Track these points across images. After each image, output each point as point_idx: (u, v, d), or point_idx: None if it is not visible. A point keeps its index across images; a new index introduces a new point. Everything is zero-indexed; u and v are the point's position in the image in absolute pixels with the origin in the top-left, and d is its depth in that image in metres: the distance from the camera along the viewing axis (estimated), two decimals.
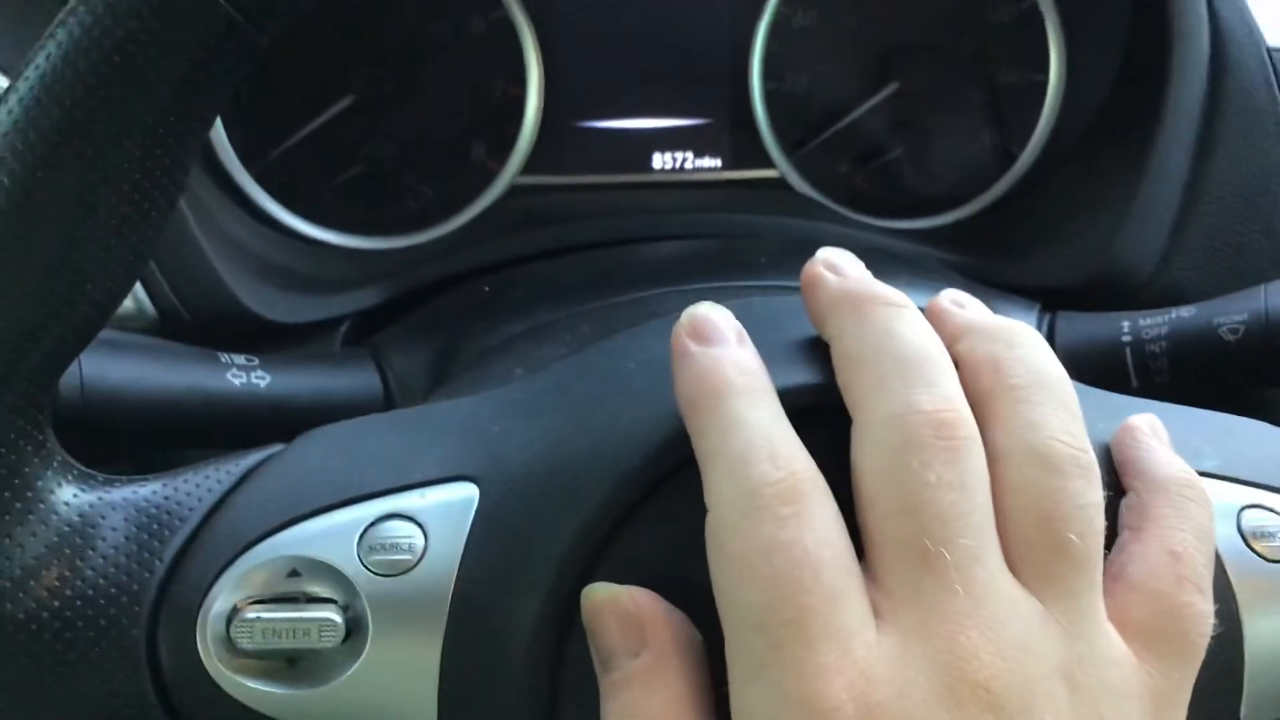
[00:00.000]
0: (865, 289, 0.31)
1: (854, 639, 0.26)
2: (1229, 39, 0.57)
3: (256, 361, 0.46)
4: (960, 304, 0.33)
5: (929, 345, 0.30)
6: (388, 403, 0.49)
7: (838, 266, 0.32)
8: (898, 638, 0.26)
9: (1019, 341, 0.31)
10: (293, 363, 0.48)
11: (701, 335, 0.30)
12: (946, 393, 0.29)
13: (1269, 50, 0.57)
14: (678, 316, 0.31)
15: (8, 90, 0.30)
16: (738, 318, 0.31)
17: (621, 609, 0.29)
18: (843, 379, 0.30)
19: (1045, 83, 0.64)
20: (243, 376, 0.45)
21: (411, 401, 0.48)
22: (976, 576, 0.27)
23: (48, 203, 0.29)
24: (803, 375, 0.31)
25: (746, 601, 0.27)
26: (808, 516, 0.27)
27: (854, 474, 0.28)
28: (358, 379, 0.49)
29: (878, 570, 0.27)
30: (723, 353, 0.30)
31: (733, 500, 0.27)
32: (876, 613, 0.27)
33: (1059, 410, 0.29)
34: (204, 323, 0.52)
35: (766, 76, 0.64)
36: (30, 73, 0.29)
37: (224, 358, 0.46)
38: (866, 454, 0.28)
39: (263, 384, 0.46)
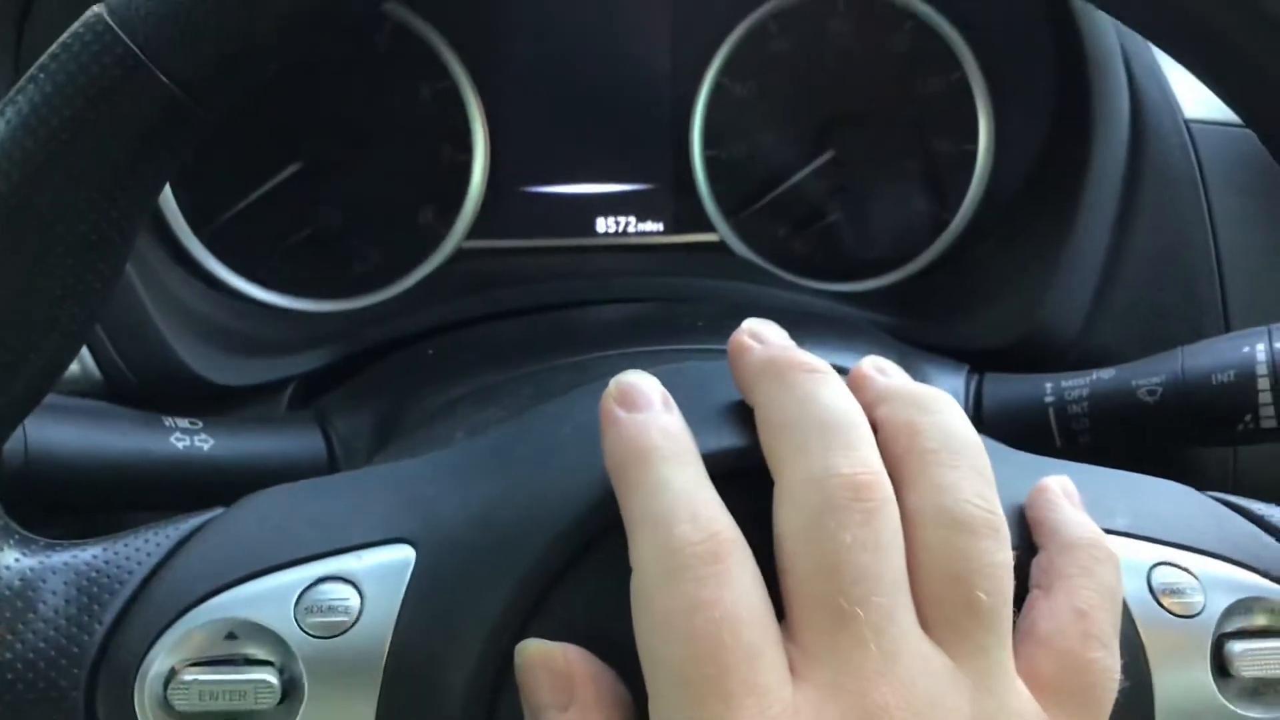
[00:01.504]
0: (788, 356, 0.32)
1: (771, 695, 0.27)
2: (1148, 110, 0.59)
3: (200, 425, 0.47)
4: (882, 370, 0.34)
5: (848, 410, 0.31)
6: (331, 466, 0.49)
7: (762, 335, 0.33)
8: (813, 694, 0.27)
9: (935, 407, 0.32)
10: (237, 426, 0.48)
11: (628, 402, 0.31)
12: (864, 456, 0.30)
13: (1186, 121, 0.60)
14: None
15: None
16: (665, 384, 0.32)
17: (551, 665, 0.30)
18: (766, 443, 0.31)
19: (975, 152, 0.66)
20: (186, 440, 0.46)
21: (355, 464, 0.49)
22: (889, 634, 0.28)
23: None
24: (727, 439, 0.32)
25: (668, 659, 0.28)
26: (728, 577, 0.28)
27: (775, 535, 0.29)
28: (302, 442, 0.50)
29: (796, 628, 0.28)
30: (648, 418, 0.31)
31: (656, 561, 0.28)
32: (794, 670, 0.28)
33: (971, 473, 0.30)
34: (149, 386, 0.53)
35: (707, 144, 0.66)
36: None
37: (168, 421, 0.46)
38: (786, 515, 0.29)
39: (206, 447, 0.46)
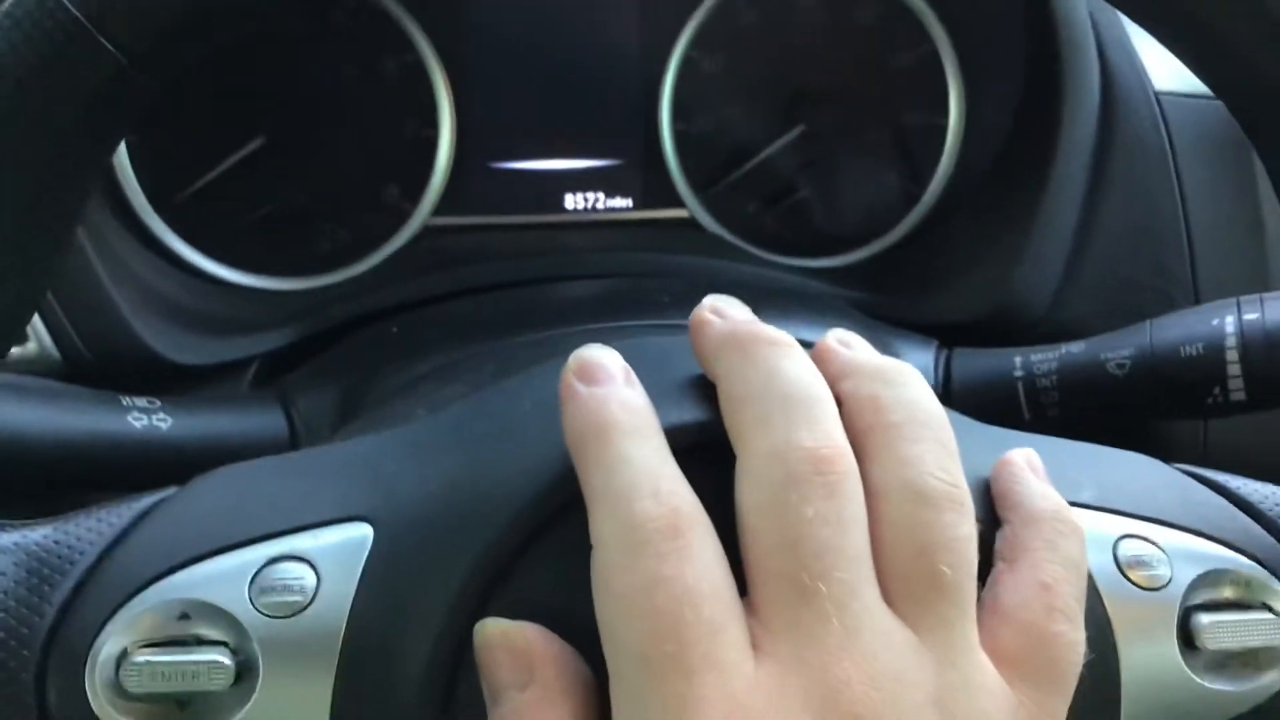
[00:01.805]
0: (750, 330, 0.32)
1: (732, 671, 0.27)
2: (1118, 83, 0.59)
3: (159, 404, 0.46)
4: (846, 344, 0.34)
5: (812, 383, 0.30)
6: (293, 444, 0.49)
7: (724, 311, 0.33)
8: (775, 669, 0.27)
9: (899, 381, 0.32)
10: (196, 405, 0.48)
11: (588, 376, 0.31)
12: (827, 430, 0.29)
13: (1156, 94, 0.60)
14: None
15: None
16: (627, 358, 0.31)
17: (510, 643, 0.30)
18: (728, 416, 0.31)
19: (945, 126, 0.66)
20: (144, 419, 0.45)
21: (317, 443, 0.48)
22: (852, 608, 0.28)
23: None
24: (689, 413, 0.31)
25: (628, 635, 0.27)
26: (689, 552, 0.27)
27: (737, 509, 0.29)
28: (263, 421, 0.49)
29: (758, 603, 0.28)
30: (608, 392, 0.30)
31: (616, 536, 0.28)
32: (756, 645, 0.27)
33: (934, 447, 0.30)
34: (109, 365, 0.52)
35: (676, 118, 0.65)
36: None
37: (125, 400, 0.46)
38: (748, 489, 0.29)
39: (165, 427, 0.46)
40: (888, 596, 0.29)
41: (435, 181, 0.64)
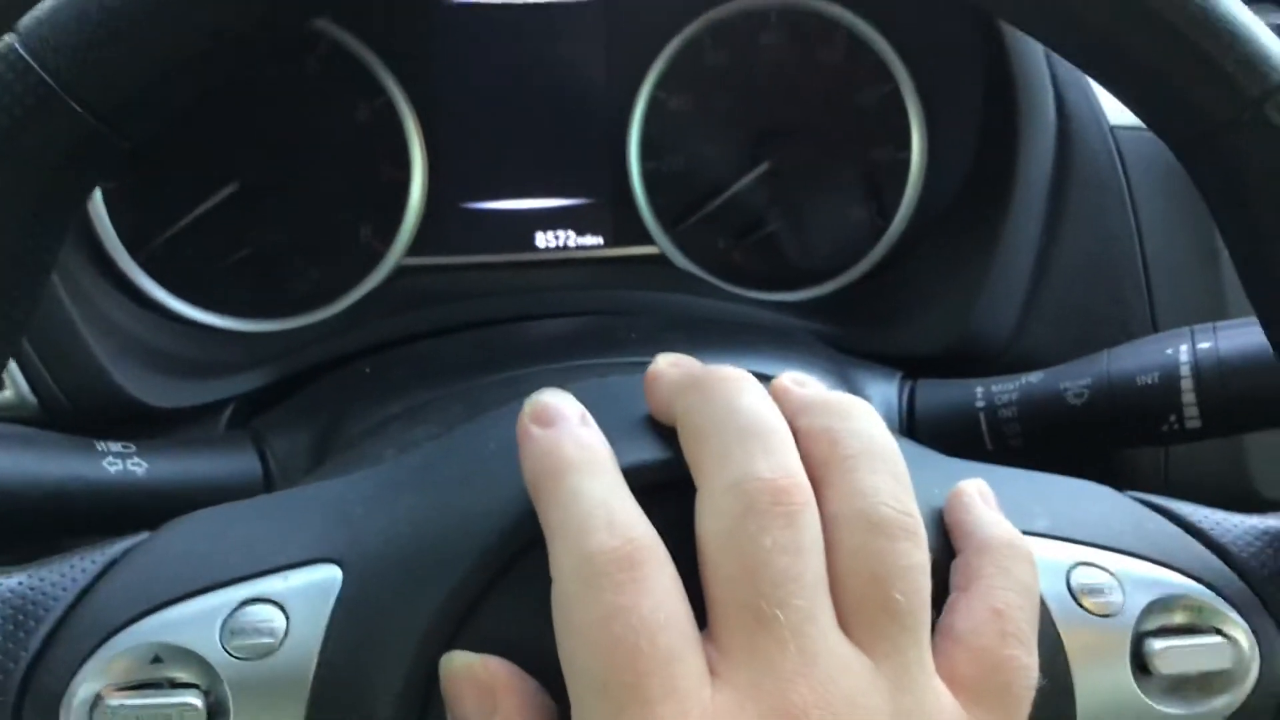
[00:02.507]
0: (706, 369, 0.33)
1: (690, 699, 0.27)
2: (1074, 118, 0.60)
3: (134, 448, 0.46)
4: (800, 382, 0.35)
5: (769, 417, 0.31)
6: (268, 486, 0.49)
7: (677, 362, 0.34)
8: (733, 695, 0.28)
9: (853, 415, 0.33)
10: (170, 449, 0.48)
11: (543, 419, 0.32)
12: (785, 462, 0.30)
13: (1111, 128, 0.61)
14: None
15: None
16: (584, 399, 0.32)
17: (474, 675, 0.30)
18: (688, 452, 0.31)
19: (909, 161, 0.67)
20: (119, 464, 0.46)
21: (292, 484, 0.48)
22: (809, 635, 0.28)
23: None
24: (648, 452, 0.32)
25: (587, 667, 0.28)
26: (645, 582, 0.28)
27: (697, 540, 0.30)
28: (237, 463, 0.49)
29: (717, 631, 0.29)
30: (562, 432, 0.31)
31: (573, 570, 0.29)
32: (714, 672, 0.28)
33: (888, 478, 0.31)
34: (85, 411, 0.53)
35: (644, 156, 0.66)
36: None
37: (100, 445, 0.46)
38: (708, 520, 0.30)
39: (140, 471, 0.46)
40: (844, 624, 0.29)
41: (408, 222, 0.65)
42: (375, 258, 0.64)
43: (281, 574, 0.33)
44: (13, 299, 0.31)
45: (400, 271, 0.65)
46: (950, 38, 0.64)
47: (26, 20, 0.30)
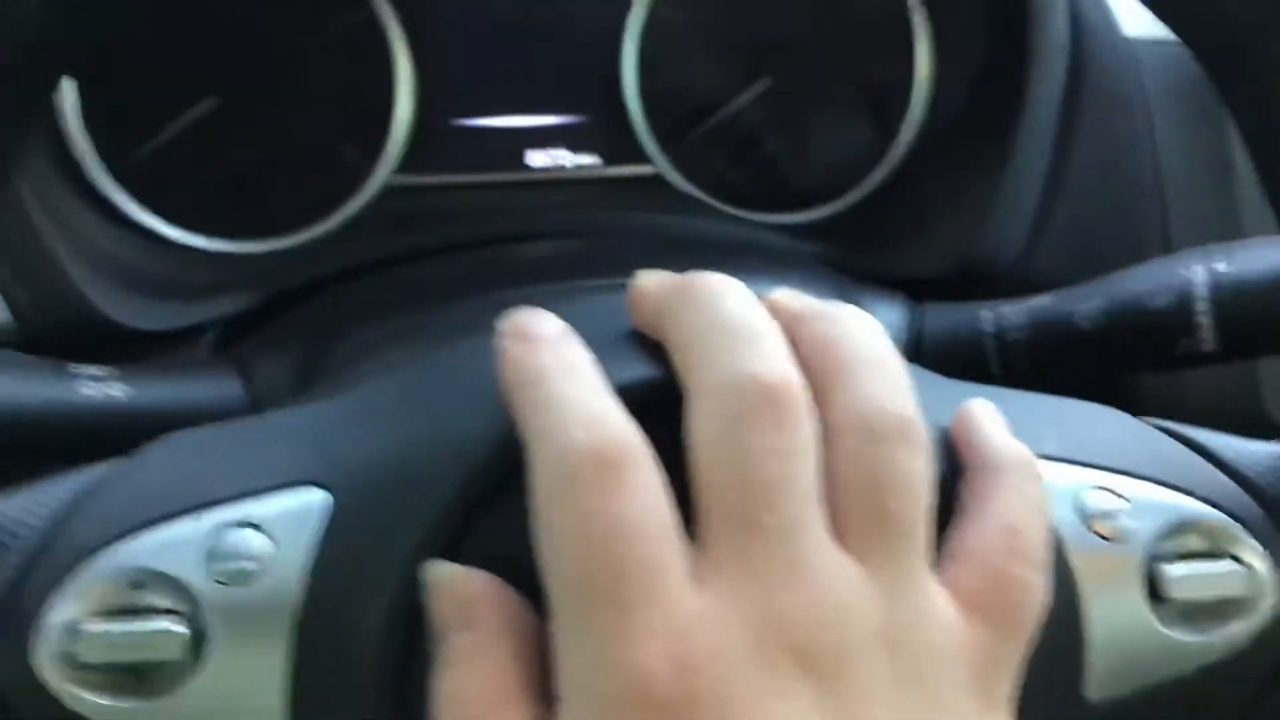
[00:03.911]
0: (692, 277, 0.32)
1: (672, 604, 0.26)
2: (1087, 29, 0.58)
3: (111, 372, 0.45)
4: (793, 295, 0.33)
5: (760, 318, 0.30)
6: (252, 411, 0.48)
7: (662, 276, 0.33)
8: (717, 602, 0.27)
9: (850, 323, 0.32)
10: (151, 373, 0.47)
11: (521, 335, 0.30)
12: (777, 362, 0.29)
13: (1127, 39, 0.59)
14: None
15: None
16: (564, 318, 0.31)
17: (456, 588, 0.29)
18: (677, 357, 0.30)
19: (913, 78, 0.65)
20: (96, 388, 0.44)
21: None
22: (798, 542, 0.27)
23: None
24: (636, 367, 0.31)
25: (563, 571, 0.27)
26: (624, 484, 0.27)
27: (686, 443, 0.29)
28: (220, 388, 0.48)
29: (705, 536, 0.28)
30: (541, 344, 0.30)
31: (549, 473, 0.28)
32: (699, 577, 0.27)
33: (887, 384, 0.30)
34: (59, 333, 0.51)
35: (641, 73, 0.64)
36: None
37: (74, 368, 0.44)
38: (698, 422, 0.29)
39: (119, 395, 0.45)
40: (838, 532, 0.28)
41: (394, 140, 0.63)
42: (361, 176, 0.62)
43: (264, 497, 0.31)
44: None
45: (387, 191, 0.63)
46: None
47: None
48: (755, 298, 0.31)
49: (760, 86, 0.64)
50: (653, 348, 0.32)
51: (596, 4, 0.64)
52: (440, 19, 0.63)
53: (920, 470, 0.29)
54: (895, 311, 0.52)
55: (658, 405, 0.29)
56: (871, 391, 0.30)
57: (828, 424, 0.29)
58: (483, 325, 0.38)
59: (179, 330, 0.55)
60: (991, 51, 0.61)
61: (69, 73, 0.31)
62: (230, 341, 0.55)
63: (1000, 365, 0.49)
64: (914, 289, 0.55)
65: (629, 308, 0.33)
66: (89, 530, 0.31)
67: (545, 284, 0.48)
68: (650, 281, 0.33)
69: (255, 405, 0.48)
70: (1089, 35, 0.58)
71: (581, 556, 0.27)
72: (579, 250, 0.56)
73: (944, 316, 0.52)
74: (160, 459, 0.33)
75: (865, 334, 0.31)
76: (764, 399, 0.28)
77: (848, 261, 0.59)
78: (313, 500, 0.31)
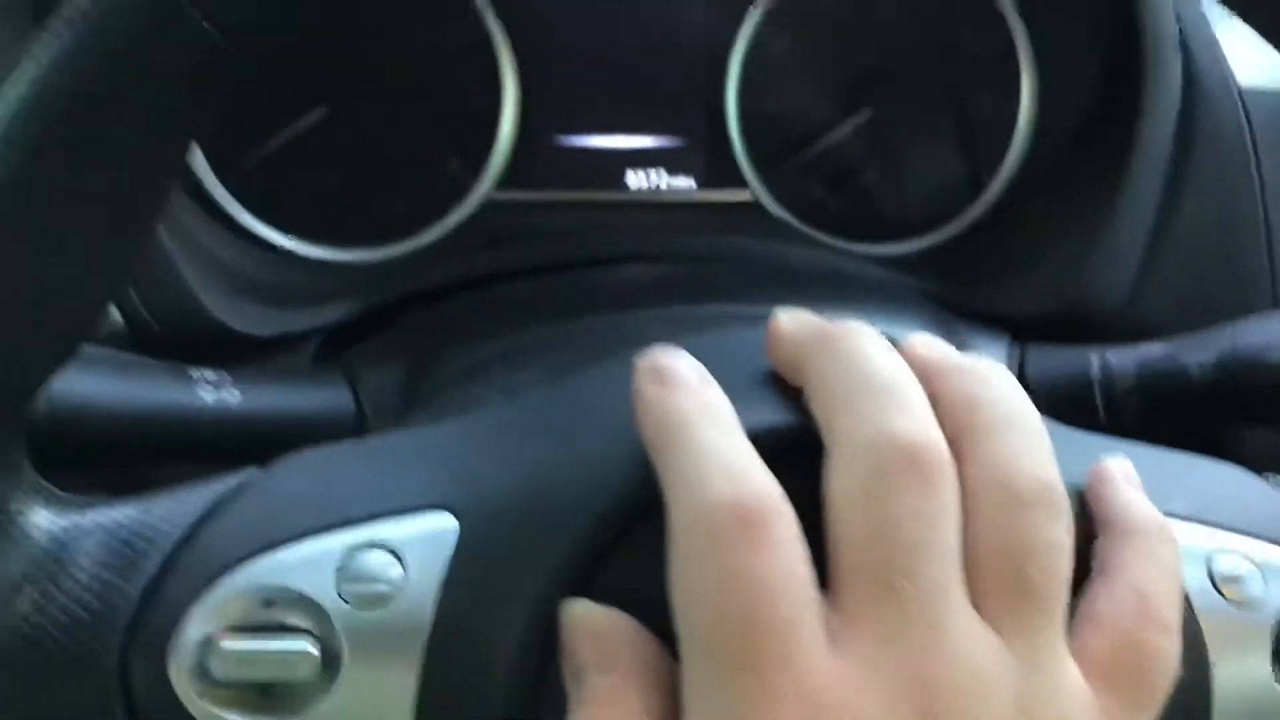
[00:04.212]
0: (835, 325, 0.32)
1: (807, 666, 0.26)
2: (1201, 77, 0.58)
3: (227, 377, 0.46)
4: (931, 345, 0.33)
5: (903, 374, 0.30)
6: (359, 422, 0.48)
7: (799, 317, 0.33)
8: (853, 664, 0.27)
9: (992, 380, 0.31)
10: (264, 379, 0.47)
11: (659, 379, 0.30)
12: (921, 422, 0.29)
13: (1240, 90, 0.58)
14: (652, 344, 0.31)
15: None
16: (699, 357, 0.31)
17: (595, 627, 0.29)
18: (817, 408, 0.30)
19: (1017, 113, 0.64)
20: (213, 392, 0.45)
21: (384, 423, 0.47)
22: (938, 608, 0.27)
23: (23, 227, 0.29)
24: (774, 411, 0.31)
25: (701, 628, 0.27)
26: (766, 542, 0.27)
27: (825, 497, 0.28)
28: (329, 397, 0.48)
29: (840, 595, 0.28)
30: (680, 390, 0.30)
31: (690, 525, 0.27)
32: (835, 638, 0.27)
33: (1030, 448, 0.30)
34: (172, 334, 0.52)
35: (742, 98, 0.64)
36: (6, 94, 0.29)
37: (194, 373, 0.45)
38: (838, 477, 0.28)
39: (234, 400, 0.45)
40: (975, 598, 0.28)
41: (497, 156, 0.63)
42: (463, 190, 0.63)
43: (395, 519, 0.32)
44: (131, 227, 0.30)
45: (487, 206, 0.63)
46: None
47: None
48: (894, 348, 0.31)
49: (861, 116, 0.64)
50: (788, 391, 0.31)
51: (702, 28, 0.64)
52: (547, 38, 0.63)
53: (1061, 538, 0.29)
54: (999, 351, 0.52)
55: (792, 452, 0.29)
56: (1013, 454, 0.29)
57: (967, 485, 0.29)
58: (600, 350, 0.38)
59: (283, 337, 0.55)
60: (1102, 89, 0.61)
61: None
62: (332, 350, 0.56)
63: (1107, 412, 0.49)
64: (1013, 327, 0.55)
65: (767, 348, 0.33)
66: (225, 544, 0.32)
67: (652, 308, 0.48)
68: (790, 324, 0.32)
69: (362, 416, 0.49)
70: (1203, 82, 0.57)
71: (719, 613, 0.26)
72: (678, 275, 0.56)
73: (1048, 359, 0.51)
74: (293, 475, 0.34)
75: (1006, 392, 0.31)
76: (908, 459, 0.28)
77: (947, 296, 0.59)
78: (444, 524, 0.31)
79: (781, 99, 0.65)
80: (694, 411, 0.29)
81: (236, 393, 0.46)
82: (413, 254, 0.62)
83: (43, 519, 0.31)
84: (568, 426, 0.33)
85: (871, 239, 0.65)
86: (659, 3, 0.64)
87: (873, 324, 0.32)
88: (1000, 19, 0.64)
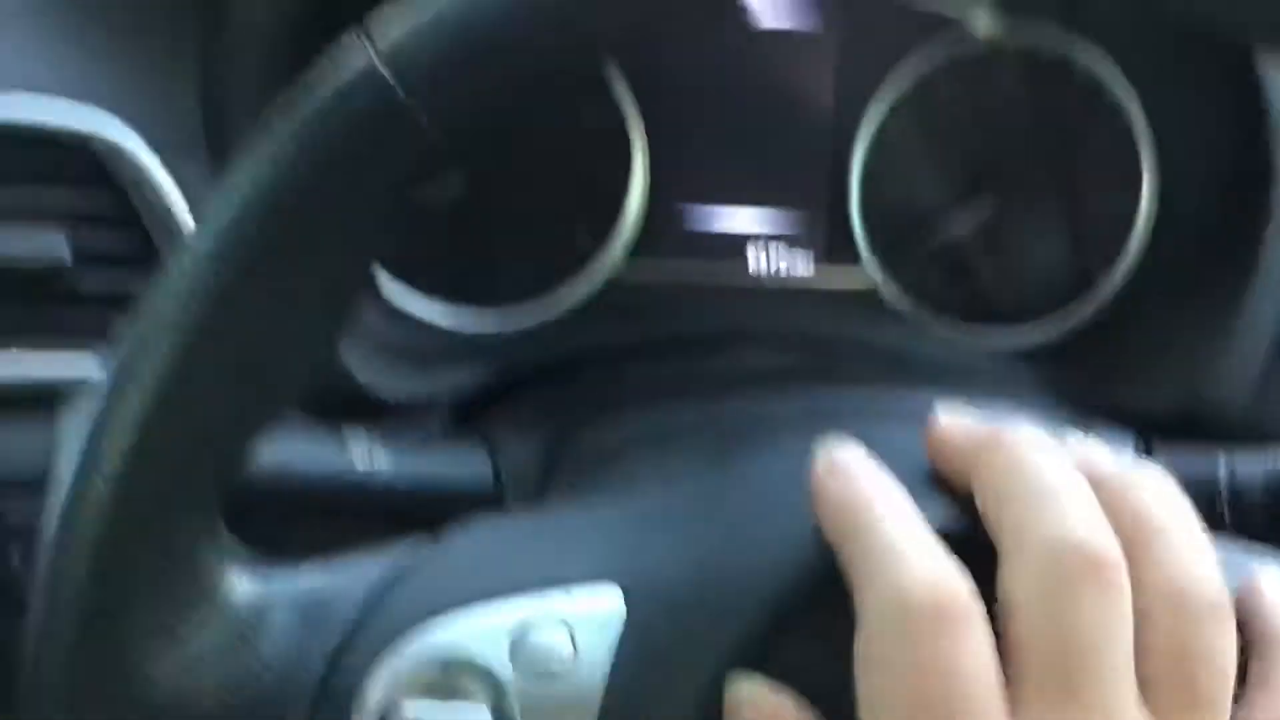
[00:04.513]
0: (1004, 430, 0.33)
1: None
2: None
3: (379, 441, 0.47)
4: (1096, 448, 0.34)
5: (1074, 479, 0.31)
6: (498, 492, 0.50)
7: (959, 417, 0.34)
8: None
9: (1159, 488, 0.32)
10: (409, 444, 0.49)
11: (838, 473, 0.32)
12: (1098, 529, 0.30)
13: None
14: (807, 432, 0.33)
15: (203, 221, 0.31)
16: (870, 453, 0.32)
17: (762, 707, 0.31)
18: (989, 511, 0.31)
19: (1137, 207, 0.65)
20: (367, 457, 0.46)
21: (523, 492, 0.49)
22: (1114, 709, 0.28)
23: (249, 308, 0.30)
24: (945, 510, 0.32)
25: (892, 713, 0.28)
26: (962, 637, 0.28)
27: (1003, 600, 0.30)
28: (471, 466, 0.50)
29: (1021, 693, 0.29)
30: (865, 484, 0.31)
31: (884, 617, 0.29)
32: None
33: (1198, 557, 0.31)
34: (314, 395, 0.53)
35: (864, 185, 0.66)
36: (225, 200, 0.30)
37: (348, 436, 0.47)
38: (1019, 582, 0.29)
39: (384, 465, 0.47)
40: (1146, 700, 0.29)
41: (624, 227, 0.65)
42: (590, 261, 0.65)
43: (567, 593, 0.33)
44: (344, 302, 0.32)
45: (612, 280, 0.65)
46: (1196, 82, 0.62)
47: (383, 28, 0.30)
48: (1065, 454, 0.32)
49: (982, 205, 0.65)
50: (954, 492, 0.32)
51: (827, 118, 0.65)
52: (678, 115, 0.65)
53: (1228, 647, 0.30)
54: (1123, 451, 0.52)
55: (965, 547, 0.30)
56: (1183, 563, 0.30)
57: (1140, 592, 0.30)
58: (749, 437, 0.39)
59: (416, 400, 0.57)
60: (1226, 188, 0.61)
61: None
62: (463, 415, 0.57)
63: (1233, 517, 0.49)
64: (1138, 424, 0.55)
65: (931, 451, 0.34)
66: (405, 610, 0.33)
67: (781, 394, 0.49)
68: (953, 427, 0.33)
69: (500, 486, 0.50)
70: None
71: (912, 702, 0.28)
72: (811, 360, 0.57)
73: (1174, 461, 0.51)
74: (469, 544, 0.35)
75: (1172, 501, 0.32)
76: (1087, 567, 0.29)
77: (1066, 390, 0.59)
78: (614, 601, 0.33)
79: (902, 185, 0.66)
80: (881, 503, 0.31)
81: (385, 457, 0.47)
82: (540, 324, 0.63)
83: (241, 585, 0.33)
84: (738, 511, 0.34)
85: (989, 330, 0.65)
86: (788, 87, 0.65)
87: (1004, 419, 0.33)
88: (1123, 116, 0.65)
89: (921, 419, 0.34)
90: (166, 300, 0.30)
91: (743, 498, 0.34)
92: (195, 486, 0.31)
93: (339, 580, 0.34)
